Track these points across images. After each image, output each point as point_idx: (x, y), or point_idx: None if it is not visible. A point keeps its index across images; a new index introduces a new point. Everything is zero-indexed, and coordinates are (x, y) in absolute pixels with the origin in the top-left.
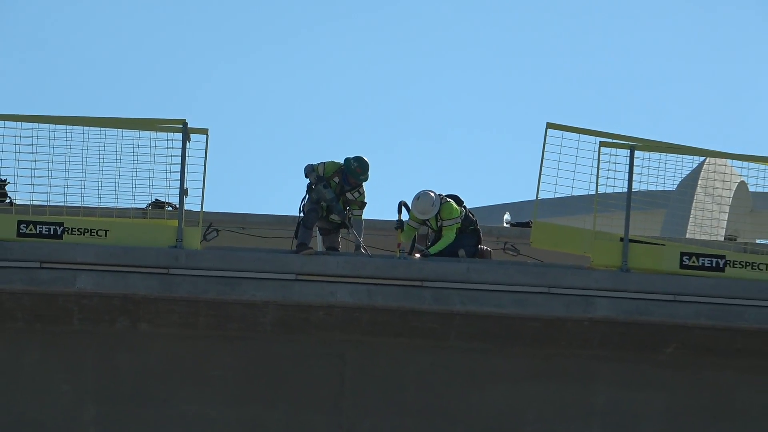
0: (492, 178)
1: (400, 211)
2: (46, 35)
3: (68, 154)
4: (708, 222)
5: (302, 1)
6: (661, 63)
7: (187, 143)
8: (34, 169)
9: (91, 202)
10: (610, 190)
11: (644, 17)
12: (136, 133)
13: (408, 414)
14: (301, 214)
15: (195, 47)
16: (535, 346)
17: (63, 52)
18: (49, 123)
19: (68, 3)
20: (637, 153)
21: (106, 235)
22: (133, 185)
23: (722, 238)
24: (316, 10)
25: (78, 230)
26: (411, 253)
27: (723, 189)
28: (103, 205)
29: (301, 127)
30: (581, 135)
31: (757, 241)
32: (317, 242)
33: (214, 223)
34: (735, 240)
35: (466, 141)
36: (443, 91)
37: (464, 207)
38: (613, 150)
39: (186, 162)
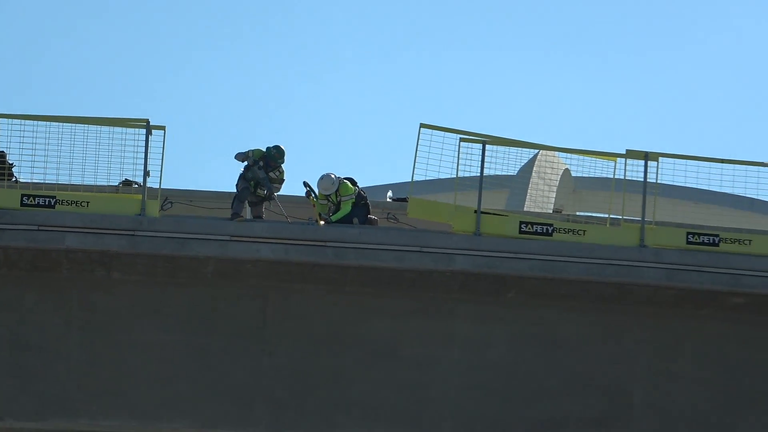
0: (378, 162)
1: (306, 186)
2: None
3: (60, 144)
4: (540, 199)
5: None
6: (520, 66)
7: (149, 136)
8: (34, 155)
9: (77, 180)
10: (467, 174)
11: (508, 18)
12: (112, 128)
13: (314, 341)
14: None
15: (156, 56)
16: (410, 291)
17: (50, 58)
18: (46, 121)
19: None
20: (488, 146)
21: (87, 206)
22: (109, 168)
23: (551, 211)
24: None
25: (67, 201)
26: (317, 221)
27: (552, 174)
28: (86, 182)
29: (233, 122)
30: (446, 132)
31: (577, 213)
32: (247, 212)
33: (169, 197)
34: (560, 212)
35: (358, 133)
36: (343, 91)
37: (357, 186)
38: (470, 144)
39: (148, 151)
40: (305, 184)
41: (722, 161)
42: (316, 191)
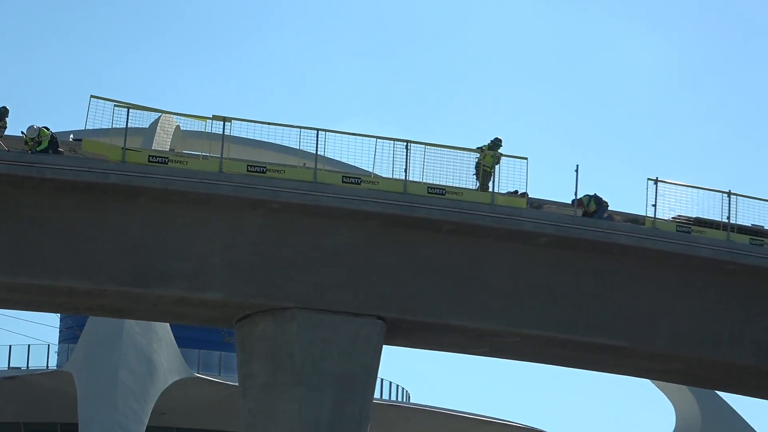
0: (65, 117)
1: (23, 134)
2: None
3: None
4: (162, 143)
5: None
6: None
7: None
8: None
9: None
10: (119, 126)
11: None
12: None
13: (29, 224)
14: None
15: None
16: (84, 193)
17: None
18: None
19: None
20: (131, 111)
21: None
22: None
23: (168, 149)
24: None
25: None
26: (28, 151)
27: (169, 128)
28: None
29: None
30: (105, 101)
31: (184, 151)
32: None
33: None
34: (174, 150)
35: (53, 97)
36: (43, 71)
37: (50, 131)
38: (121, 108)
39: None
40: (23, 133)
41: (271, 124)
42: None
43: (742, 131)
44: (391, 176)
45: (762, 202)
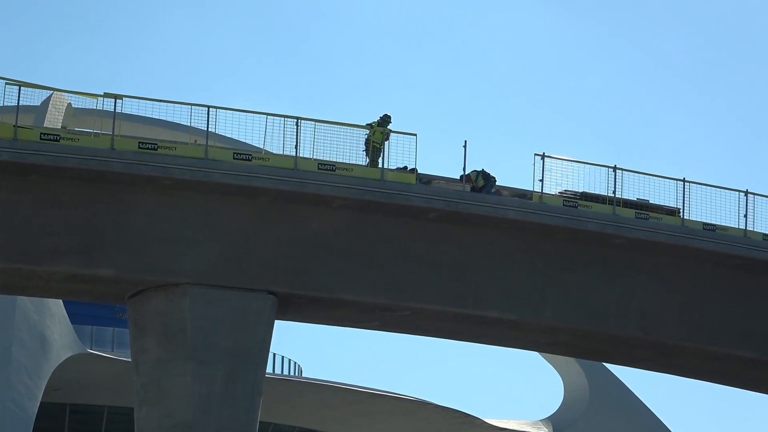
0: None
1: None
2: None
3: None
4: (53, 120)
5: None
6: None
7: None
8: None
9: None
10: (11, 104)
11: None
12: None
13: None
14: None
15: None
16: (5, 173)
17: None
18: None
19: None
20: (23, 89)
21: None
22: None
23: (59, 126)
24: None
25: None
26: None
27: (61, 106)
28: None
29: None
30: (1, 79)
31: (75, 129)
32: None
33: None
34: (65, 128)
35: None
36: None
37: None
38: (12, 87)
39: None
40: None
41: (162, 101)
42: None
43: (626, 107)
44: (281, 152)
45: (647, 176)
